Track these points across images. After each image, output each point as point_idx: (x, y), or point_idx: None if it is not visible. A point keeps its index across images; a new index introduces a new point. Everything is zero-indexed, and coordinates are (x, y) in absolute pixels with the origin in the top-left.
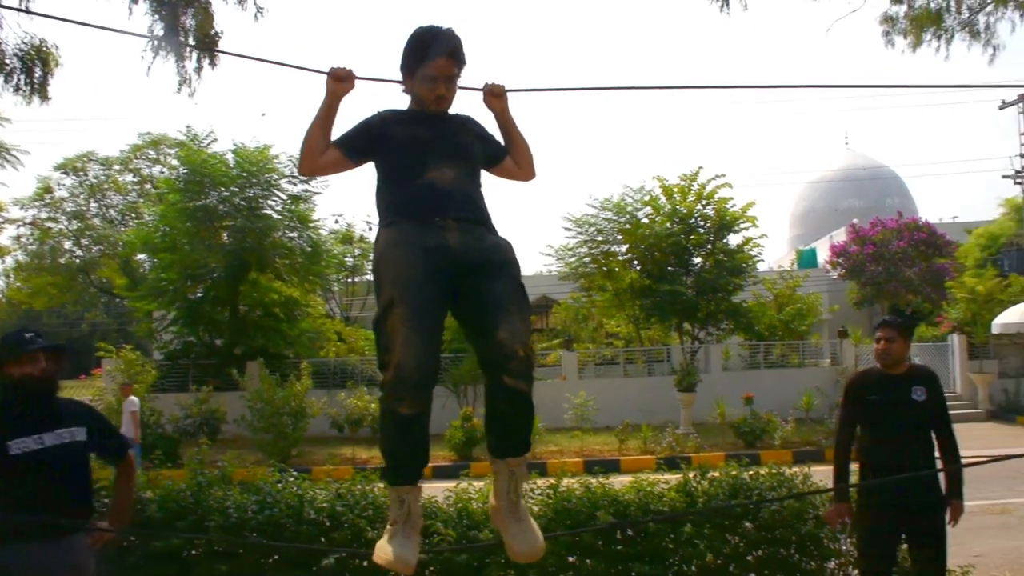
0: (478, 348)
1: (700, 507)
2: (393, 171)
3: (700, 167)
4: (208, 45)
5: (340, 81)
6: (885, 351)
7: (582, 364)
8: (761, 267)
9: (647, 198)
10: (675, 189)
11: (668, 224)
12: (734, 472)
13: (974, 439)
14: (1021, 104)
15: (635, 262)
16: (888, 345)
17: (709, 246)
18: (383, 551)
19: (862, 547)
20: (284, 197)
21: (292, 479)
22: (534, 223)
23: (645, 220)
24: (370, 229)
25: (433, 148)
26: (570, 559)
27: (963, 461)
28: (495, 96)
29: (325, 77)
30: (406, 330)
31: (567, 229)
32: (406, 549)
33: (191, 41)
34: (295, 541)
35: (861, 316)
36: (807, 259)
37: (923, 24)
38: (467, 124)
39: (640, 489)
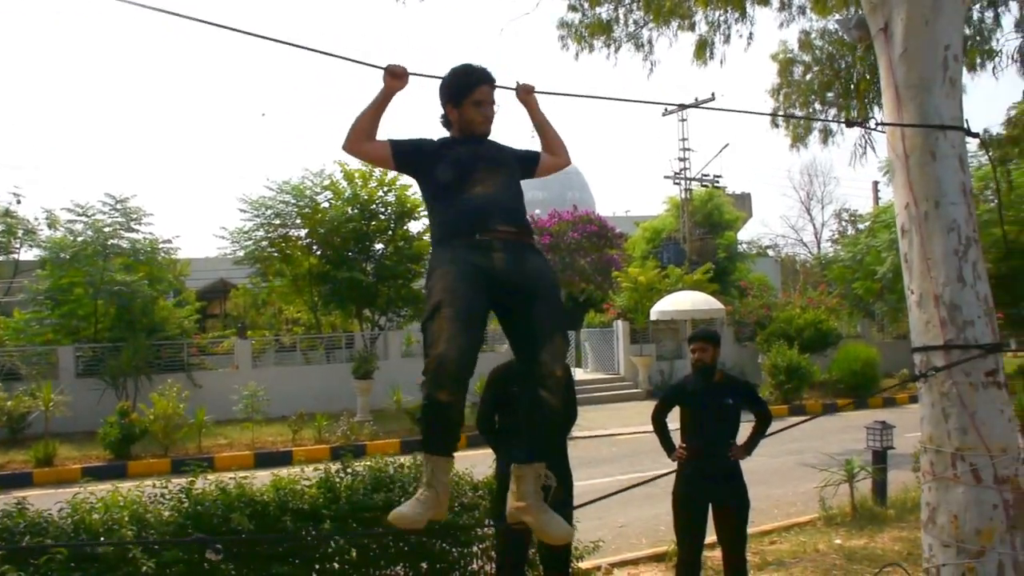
0: (521, 361)
1: (343, 503)
2: (441, 188)
3: None
4: None
5: (396, 78)
6: None
7: (260, 352)
8: None
9: (327, 182)
10: (356, 174)
11: (348, 209)
12: (377, 466)
13: (636, 415)
14: (680, 114)
15: (314, 247)
16: None
17: (390, 232)
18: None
19: (497, 530)
20: None
21: None
22: (209, 204)
23: (325, 204)
24: (18, 202)
25: (474, 164)
26: (205, 565)
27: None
28: (528, 92)
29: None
30: (451, 329)
31: (243, 211)
32: (409, 507)
33: None
34: None
35: None
36: None
37: (595, 32)
38: (499, 144)
39: (279, 488)
